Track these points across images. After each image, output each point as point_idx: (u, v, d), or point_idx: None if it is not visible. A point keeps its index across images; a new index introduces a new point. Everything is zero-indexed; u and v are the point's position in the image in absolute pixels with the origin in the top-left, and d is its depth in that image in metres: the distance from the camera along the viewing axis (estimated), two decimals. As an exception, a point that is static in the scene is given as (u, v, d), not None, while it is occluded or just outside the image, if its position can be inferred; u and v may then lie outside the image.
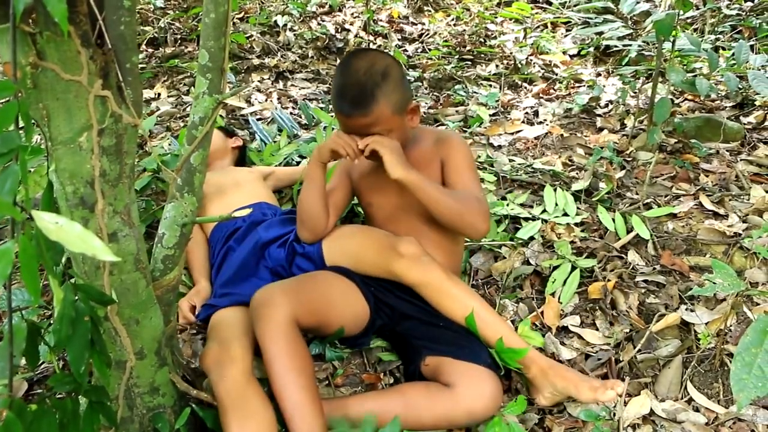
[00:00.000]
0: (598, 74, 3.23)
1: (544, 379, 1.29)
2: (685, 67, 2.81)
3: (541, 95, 2.99)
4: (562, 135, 2.52)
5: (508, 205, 1.97)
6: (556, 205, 1.97)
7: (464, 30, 3.87)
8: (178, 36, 3.56)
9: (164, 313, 1.10)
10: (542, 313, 1.59)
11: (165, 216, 1.09)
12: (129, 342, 1.03)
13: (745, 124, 2.47)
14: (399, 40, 3.81)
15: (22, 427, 0.66)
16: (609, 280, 1.64)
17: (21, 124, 0.63)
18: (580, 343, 1.50)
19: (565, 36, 3.79)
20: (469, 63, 3.46)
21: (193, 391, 1.17)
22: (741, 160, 2.23)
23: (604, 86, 2.92)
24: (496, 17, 4.02)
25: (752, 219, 1.84)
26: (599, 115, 2.70)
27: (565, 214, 1.93)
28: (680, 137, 2.41)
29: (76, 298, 0.77)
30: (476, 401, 1.23)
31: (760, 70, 2.08)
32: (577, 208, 1.97)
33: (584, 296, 1.64)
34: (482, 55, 3.54)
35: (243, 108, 2.81)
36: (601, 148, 2.31)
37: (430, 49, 3.63)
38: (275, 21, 3.72)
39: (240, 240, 1.63)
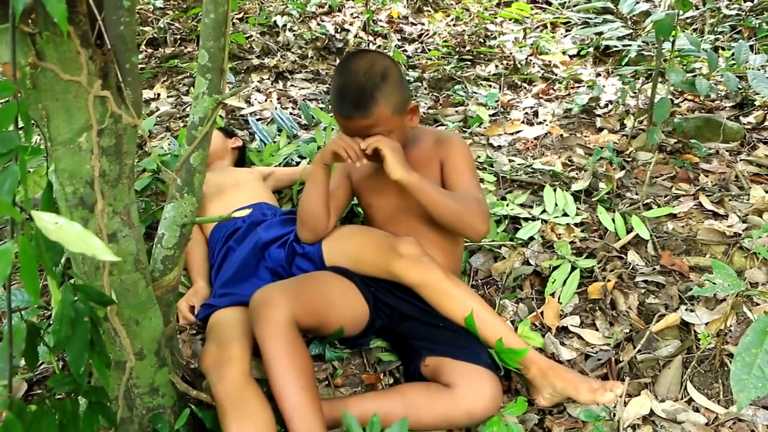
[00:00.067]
0: (598, 74, 3.23)
1: (544, 380, 1.29)
2: (684, 67, 2.81)
3: (540, 95, 2.99)
4: (561, 135, 2.52)
5: (507, 205, 1.97)
6: (556, 205, 1.97)
7: (464, 30, 3.86)
8: (178, 36, 3.56)
9: (164, 313, 1.10)
10: (542, 313, 1.59)
11: (165, 216, 1.09)
12: (129, 342, 1.03)
13: (744, 124, 2.47)
14: (398, 40, 3.81)
15: (21, 427, 0.66)
16: (609, 281, 1.64)
17: (20, 124, 0.63)
18: (579, 343, 1.50)
19: (565, 36, 3.79)
20: (469, 63, 3.46)
21: (193, 392, 1.17)
22: (741, 160, 2.23)
23: (603, 86, 2.92)
24: (495, 17, 4.02)
25: (752, 219, 1.84)
26: (599, 116, 2.70)
27: (565, 215, 1.93)
28: (680, 137, 2.41)
29: (76, 298, 0.77)
30: (476, 402, 1.23)
31: (759, 70, 2.08)
32: (577, 208, 1.97)
33: (584, 296, 1.63)
34: (482, 56, 3.54)
35: (243, 108, 2.80)
36: (601, 148, 2.31)
37: (429, 50, 3.63)
38: (275, 21, 3.72)
39: (240, 240, 1.63)
